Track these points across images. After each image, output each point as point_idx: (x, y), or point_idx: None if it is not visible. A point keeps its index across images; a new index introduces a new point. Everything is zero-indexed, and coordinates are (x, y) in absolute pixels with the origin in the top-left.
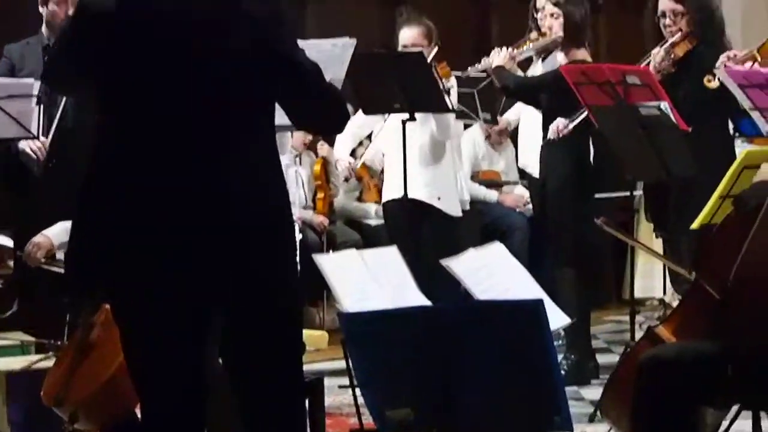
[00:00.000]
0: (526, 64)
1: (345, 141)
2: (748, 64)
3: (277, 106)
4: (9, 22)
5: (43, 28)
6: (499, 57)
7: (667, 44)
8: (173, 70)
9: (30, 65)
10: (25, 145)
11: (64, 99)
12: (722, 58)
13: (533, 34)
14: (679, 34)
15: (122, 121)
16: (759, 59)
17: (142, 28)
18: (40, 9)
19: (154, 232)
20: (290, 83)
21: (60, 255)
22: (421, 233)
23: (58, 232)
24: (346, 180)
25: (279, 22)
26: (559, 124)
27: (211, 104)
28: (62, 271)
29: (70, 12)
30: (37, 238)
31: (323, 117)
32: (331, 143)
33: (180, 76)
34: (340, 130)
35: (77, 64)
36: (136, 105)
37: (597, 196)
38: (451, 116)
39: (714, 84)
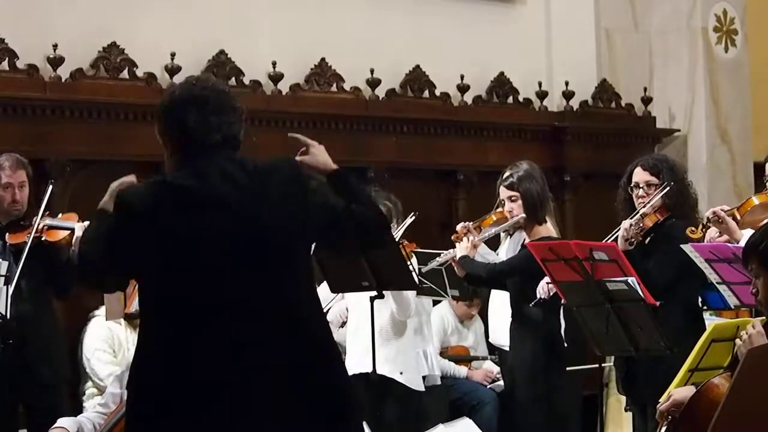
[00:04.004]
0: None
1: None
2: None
3: None
4: None
5: None
6: (461, 247)
7: (638, 215)
8: (215, 263)
9: None
10: None
11: (17, 278)
12: (713, 209)
13: (494, 214)
14: (650, 205)
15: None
16: (738, 217)
17: (183, 223)
18: None
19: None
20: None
21: None
22: (383, 408)
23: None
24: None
25: (304, 188)
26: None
27: (252, 295)
28: None
29: (18, 197)
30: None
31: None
32: None
33: (221, 268)
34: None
35: (118, 261)
36: (181, 297)
37: (567, 368)
38: (411, 295)
39: (698, 234)
